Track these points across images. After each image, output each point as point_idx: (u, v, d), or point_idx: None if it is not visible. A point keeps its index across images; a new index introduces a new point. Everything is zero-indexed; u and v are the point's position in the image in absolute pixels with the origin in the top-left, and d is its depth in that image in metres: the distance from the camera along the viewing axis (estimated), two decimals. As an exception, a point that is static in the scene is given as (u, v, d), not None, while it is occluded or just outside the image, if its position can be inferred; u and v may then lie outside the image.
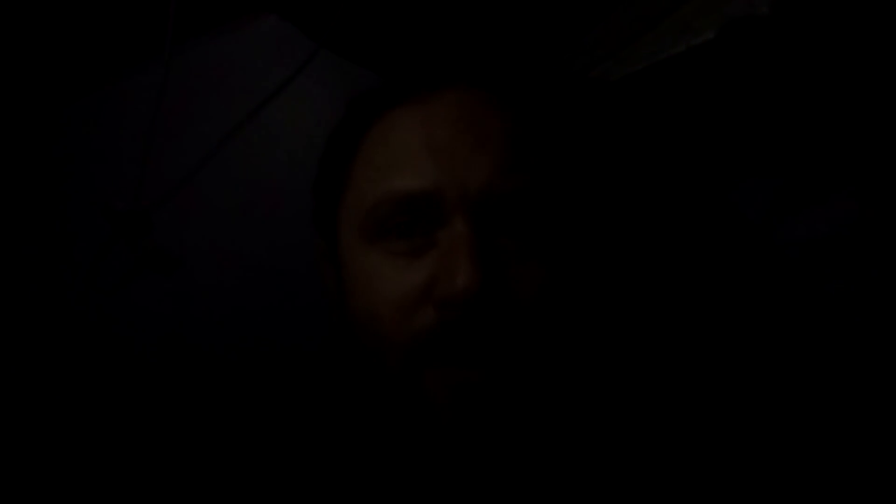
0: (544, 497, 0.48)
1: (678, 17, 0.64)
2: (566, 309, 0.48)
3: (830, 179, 0.64)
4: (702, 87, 0.65)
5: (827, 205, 0.64)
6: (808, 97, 0.63)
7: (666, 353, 0.64)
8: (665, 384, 0.62)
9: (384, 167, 0.48)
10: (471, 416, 0.43)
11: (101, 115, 0.70)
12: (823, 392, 0.62)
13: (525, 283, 0.45)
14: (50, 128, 0.69)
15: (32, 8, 0.70)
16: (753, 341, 0.65)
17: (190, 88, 0.71)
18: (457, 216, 0.45)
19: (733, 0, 0.59)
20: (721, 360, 0.64)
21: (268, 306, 0.67)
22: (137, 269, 0.60)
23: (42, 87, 0.70)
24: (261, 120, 0.71)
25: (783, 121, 0.65)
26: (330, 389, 0.64)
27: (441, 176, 0.45)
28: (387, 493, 0.50)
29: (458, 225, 0.44)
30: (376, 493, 0.51)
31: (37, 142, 0.68)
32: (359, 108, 0.53)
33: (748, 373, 0.64)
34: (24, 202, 0.65)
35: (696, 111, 0.67)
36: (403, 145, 0.48)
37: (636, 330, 0.65)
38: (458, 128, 0.47)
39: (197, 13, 0.73)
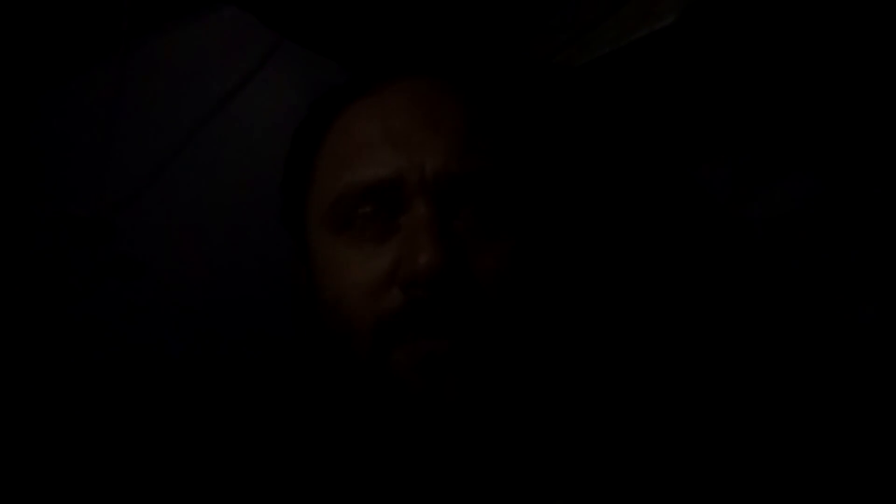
0: (516, 469, 0.48)
1: (639, 1, 0.64)
2: (531, 284, 0.49)
3: (790, 156, 0.65)
4: (664, 70, 0.65)
5: (788, 181, 0.65)
6: (768, 76, 0.63)
7: (634, 329, 0.65)
8: (633, 358, 0.64)
9: (345, 159, 0.49)
10: (438, 386, 0.44)
11: (58, 115, 0.68)
12: (791, 369, 0.64)
13: (487, 260, 0.46)
14: (6, 132, 0.68)
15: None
16: (721, 317, 0.66)
17: (149, 85, 0.70)
18: (417, 200, 0.46)
19: (693, -16, 0.60)
20: (687, 336, 0.65)
21: (239, 304, 0.66)
22: (100, 275, 0.59)
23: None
24: (226, 115, 0.70)
25: (744, 100, 0.65)
26: (303, 382, 0.64)
27: (399, 162, 0.47)
28: (364, 475, 0.51)
29: (419, 208, 0.46)
30: (354, 476, 0.51)
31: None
32: (320, 106, 0.54)
33: (715, 346, 0.65)
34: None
35: (660, 94, 0.68)
36: (362, 137, 0.49)
37: (604, 306, 0.66)
38: (413, 115, 0.48)
39: (153, 6, 0.72)
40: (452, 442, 0.47)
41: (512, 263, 0.47)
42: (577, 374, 0.61)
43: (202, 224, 0.68)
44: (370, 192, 0.47)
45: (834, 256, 0.63)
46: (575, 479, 0.49)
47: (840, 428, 0.60)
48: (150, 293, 0.65)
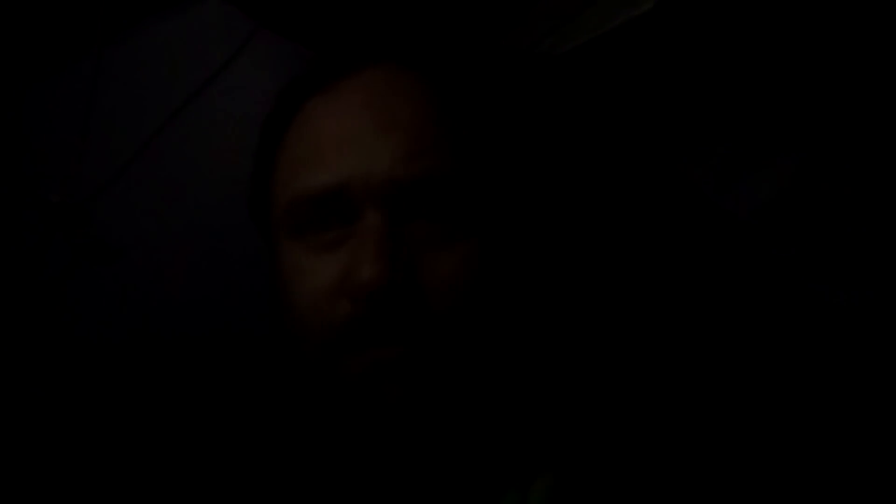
0: (472, 466, 0.48)
1: (618, -11, 0.64)
2: (486, 289, 0.47)
3: (771, 145, 0.64)
4: (644, 58, 0.65)
5: (770, 169, 0.65)
6: (747, 63, 0.63)
7: (610, 321, 0.65)
8: (609, 349, 0.63)
9: (297, 162, 0.48)
10: (389, 394, 0.43)
11: (38, 106, 0.68)
12: (772, 355, 0.63)
13: (438, 270, 0.45)
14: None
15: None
16: (702, 307, 0.66)
17: (131, 76, 0.70)
18: (366, 208, 0.45)
19: (669, -30, 0.60)
20: (668, 328, 0.65)
21: (214, 292, 0.66)
22: (76, 261, 0.59)
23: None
24: (206, 105, 0.70)
25: (724, 87, 0.65)
26: (276, 374, 0.64)
27: (346, 169, 0.45)
28: (329, 473, 0.51)
29: (368, 216, 0.44)
30: (319, 472, 0.51)
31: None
32: (283, 100, 0.52)
33: (692, 343, 0.64)
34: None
35: (640, 83, 0.67)
36: (314, 139, 0.48)
37: (579, 299, 0.65)
38: (365, 115, 0.46)
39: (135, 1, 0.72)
40: (403, 444, 0.46)
41: (466, 271, 0.45)
42: (549, 369, 0.60)
43: (179, 210, 0.68)
44: (318, 198, 0.45)
45: (815, 244, 0.63)
46: (548, 471, 0.47)
47: (831, 418, 0.59)
48: (127, 279, 0.65)
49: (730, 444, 0.56)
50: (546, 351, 0.60)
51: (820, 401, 0.60)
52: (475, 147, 0.49)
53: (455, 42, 0.69)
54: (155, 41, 0.71)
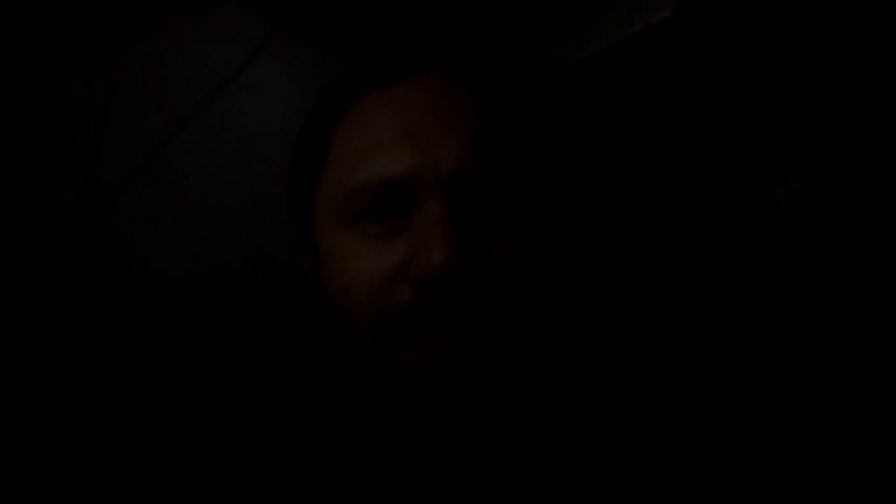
0: (520, 471, 0.48)
1: (637, -5, 0.64)
2: (540, 285, 0.49)
3: (788, 153, 0.64)
4: (662, 65, 0.65)
5: (788, 178, 0.65)
6: (766, 71, 0.63)
7: (635, 327, 0.65)
8: (633, 356, 0.63)
9: (360, 153, 0.49)
10: (445, 387, 0.44)
11: (56, 106, 0.68)
12: (788, 364, 0.63)
13: (499, 260, 0.46)
14: (3, 122, 0.68)
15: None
16: (719, 313, 0.66)
17: (148, 77, 0.70)
18: (431, 197, 0.46)
19: (689, -24, 0.60)
20: (687, 333, 0.65)
21: (227, 293, 0.66)
22: (91, 261, 0.59)
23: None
24: (224, 107, 0.70)
25: (742, 95, 0.65)
26: (304, 375, 0.64)
27: (415, 159, 0.46)
28: (367, 473, 0.50)
29: (433, 205, 0.46)
30: (356, 473, 0.51)
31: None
32: (333, 95, 0.54)
33: (714, 342, 0.64)
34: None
35: (658, 90, 0.67)
36: (377, 130, 0.49)
37: (606, 305, 0.66)
38: (429, 110, 0.48)
39: (153, 3, 0.72)
40: (455, 440, 0.47)
41: (523, 264, 0.47)
42: (581, 372, 0.61)
43: (195, 211, 0.68)
44: (384, 188, 0.47)
45: (830, 252, 0.62)
46: (577, 476, 0.49)
47: (839, 424, 0.59)
48: (141, 280, 0.65)
49: (744, 456, 0.56)
50: (572, 357, 0.60)
51: (840, 414, 0.60)
52: (522, 149, 0.51)
53: (491, 49, 0.69)
54: (173, 43, 0.72)
